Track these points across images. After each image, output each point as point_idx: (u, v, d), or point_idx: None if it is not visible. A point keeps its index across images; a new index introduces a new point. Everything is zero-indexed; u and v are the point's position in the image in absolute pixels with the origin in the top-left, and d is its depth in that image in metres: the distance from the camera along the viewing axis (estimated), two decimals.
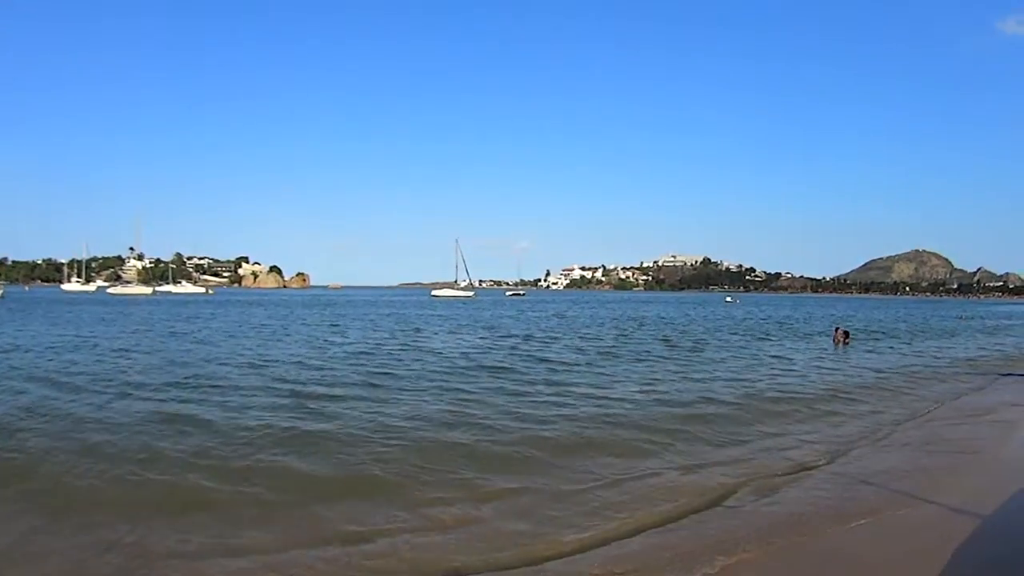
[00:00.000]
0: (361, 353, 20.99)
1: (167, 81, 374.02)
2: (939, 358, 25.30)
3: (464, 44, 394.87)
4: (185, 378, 14.95)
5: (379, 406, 11.94)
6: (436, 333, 30.96)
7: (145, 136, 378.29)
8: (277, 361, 18.47)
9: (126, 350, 21.04)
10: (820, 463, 8.88)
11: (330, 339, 26.76)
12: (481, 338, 28.42)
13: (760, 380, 16.89)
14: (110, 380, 14.38)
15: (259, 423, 10.28)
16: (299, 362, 18.40)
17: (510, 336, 29.83)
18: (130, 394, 12.72)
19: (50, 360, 18.08)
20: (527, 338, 28.47)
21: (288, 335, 28.66)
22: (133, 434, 9.46)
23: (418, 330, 32.81)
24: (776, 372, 18.92)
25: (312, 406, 11.80)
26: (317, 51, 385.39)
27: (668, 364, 20.13)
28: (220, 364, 17.64)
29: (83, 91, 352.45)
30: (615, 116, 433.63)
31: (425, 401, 12.59)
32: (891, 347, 30.10)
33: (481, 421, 10.84)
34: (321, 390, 13.51)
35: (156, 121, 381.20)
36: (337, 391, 13.45)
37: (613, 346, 25.76)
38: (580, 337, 29.72)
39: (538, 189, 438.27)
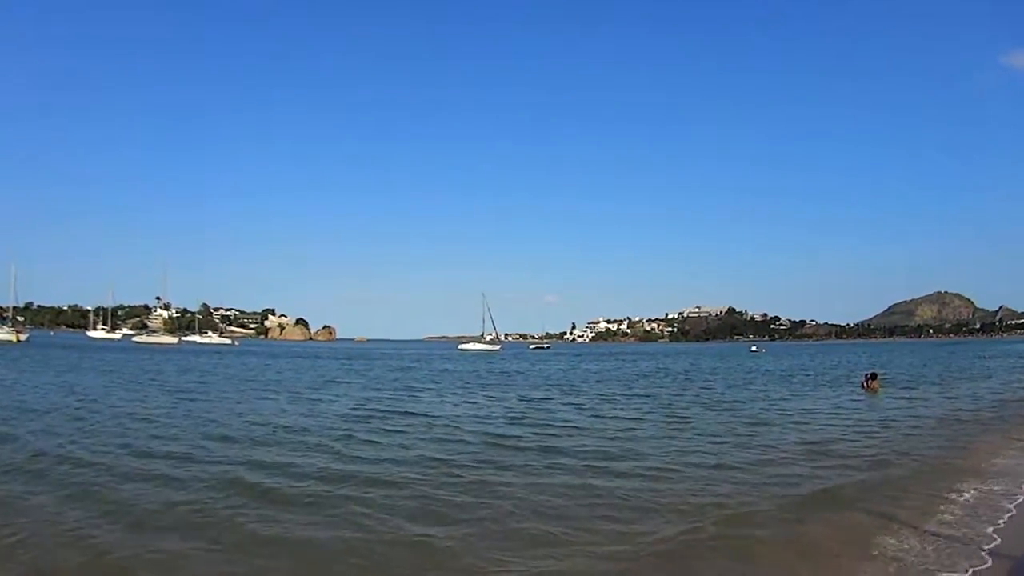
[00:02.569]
0: (354, 418, 19.76)
1: (197, 134, 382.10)
2: (978, 399, 25.11)
3: (487, 97, 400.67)
4: (144, 436, 14.71)
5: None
6: (446, 392, 29.61)
7: (173, 187, 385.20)
8: (261, 425, 17.63)
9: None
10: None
11: (330, 397, 25.76)
12: (493, 396, 27.20)
13: (798, 433, 16.20)
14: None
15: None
16: (283, 425, 17.56)
17: (522, 394, 28.54)
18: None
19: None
20: (541, 399, 26.10)
21: (288, 390, 27.76)
22: None
23: (424, 388, 31.40)
24: (809, 425, 18.08)
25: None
26: (343, 105, 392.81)
27: (697, 424, 18.46)
28: (197, 424, 17.00)
29: (115, 139, 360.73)
30: (636, 169, 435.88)
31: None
32: (928, 392, 29.16)
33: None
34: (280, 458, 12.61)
35: (185, 173, 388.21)
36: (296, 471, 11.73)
37: (634, 407, 23.70)
38: (599, 395, 27.94)
39: (564, 244, 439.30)
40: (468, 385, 33.48)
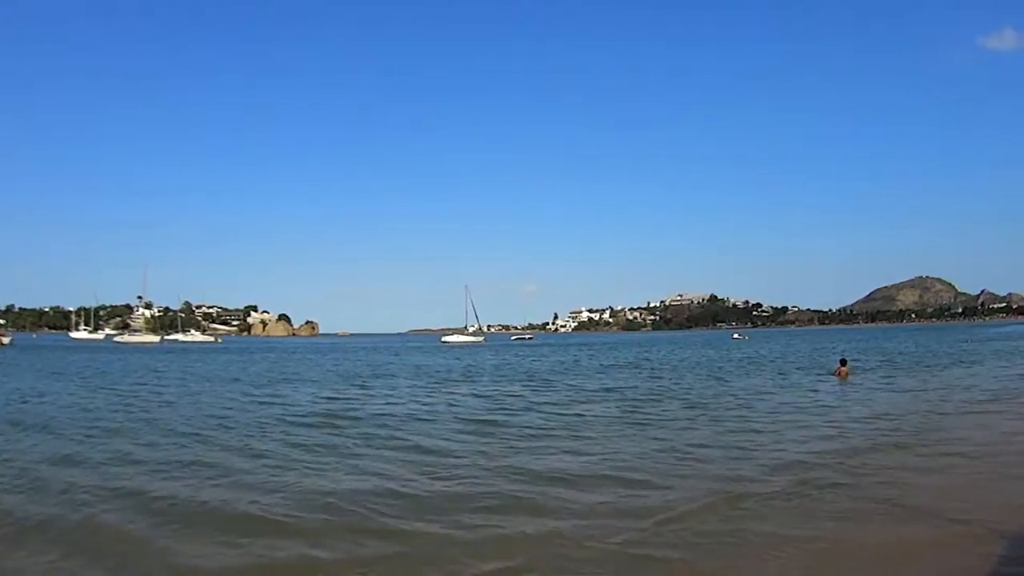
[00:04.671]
0: (284, 421, 18.28)
1: (174, 128, 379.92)
2: (965, 388, 24.15)
3: (463, 86, 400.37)
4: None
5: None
6: (403, 389, 28.50)
7: (151, 185, 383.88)
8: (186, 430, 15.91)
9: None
10: None
11: (270, 397, 24.08)
12: (454, 394, 25.77)
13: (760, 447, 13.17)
14: None
15: None
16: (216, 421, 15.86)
17: (488, 391, 27.12)
18: None
19: None
20: (507, 397, 24.21)
21: (240, 386, 25.75)
22: None
23: (382, 386, 30.08)
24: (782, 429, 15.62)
25: None
26: (324, 98, 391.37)
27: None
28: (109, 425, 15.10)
29: (91, 137, 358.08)
30: (617, 154, 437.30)
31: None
32: (912, 379, 28.86)
33: None
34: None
35: (164, 170, 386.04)
36: None
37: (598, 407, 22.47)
38: (570, 392, 26.12)
39: (545, 233, 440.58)
40: (433, 381, 32.14)
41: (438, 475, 10.88)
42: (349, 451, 13.20)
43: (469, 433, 15.35)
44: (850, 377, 29.07)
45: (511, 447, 13.48)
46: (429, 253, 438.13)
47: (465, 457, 12.47)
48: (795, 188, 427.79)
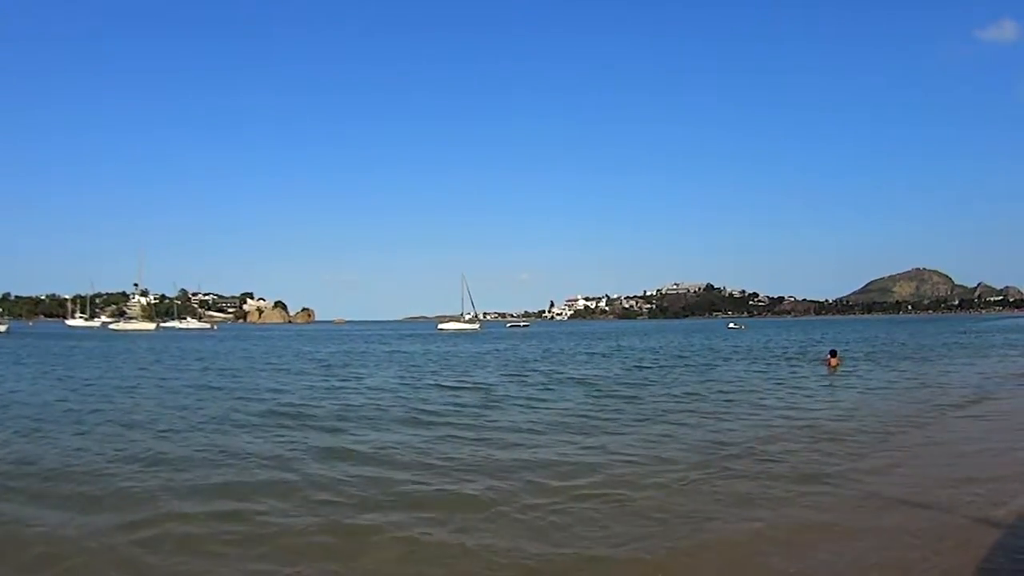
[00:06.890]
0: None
1: (171, 116, 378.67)
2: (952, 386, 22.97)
3: (464, 74, 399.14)
4: None
5: None
6: (371, 381, 27.56)
7: (146, 171, 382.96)
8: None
9: None
10: None
11: (234, 386, 23.34)
12: (417, 387, 24.99)
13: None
14: None
15: None
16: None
17: (455, 382, 26.07)
18: None
19: None
20: (477, 391, 22.93)
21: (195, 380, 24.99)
22: None
23: (352, 375, 28.98)
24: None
25: None
26: (322, 86, 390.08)
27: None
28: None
29: (89, 126, 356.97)
30: (616, 144, 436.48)
31: None
32: (898, 372, 28.29)
33: None
34: None
35: (161, 158, 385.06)
36: None
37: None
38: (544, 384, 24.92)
39: (541, 221, 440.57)
40: (410, 371, 31.20)
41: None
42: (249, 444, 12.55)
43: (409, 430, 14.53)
44: (839, 368, 28.84)
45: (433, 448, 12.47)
46: (426, 241, 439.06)
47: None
48: (791, 180, 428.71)
